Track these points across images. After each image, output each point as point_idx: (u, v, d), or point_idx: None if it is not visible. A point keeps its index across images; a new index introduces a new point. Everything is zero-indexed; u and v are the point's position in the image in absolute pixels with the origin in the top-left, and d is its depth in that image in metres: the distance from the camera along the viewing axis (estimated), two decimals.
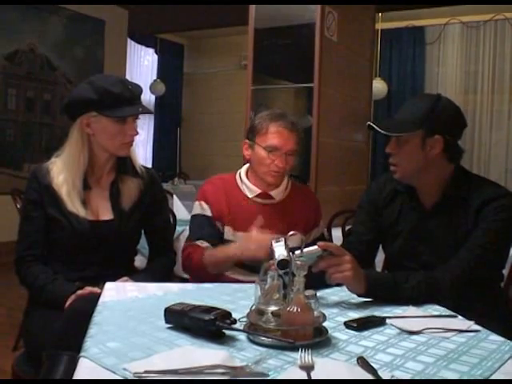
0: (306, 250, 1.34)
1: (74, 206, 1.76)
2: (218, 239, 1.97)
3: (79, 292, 1.63)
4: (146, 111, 1.80)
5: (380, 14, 6.16)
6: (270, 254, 1.35)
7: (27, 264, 1.76)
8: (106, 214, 1.83)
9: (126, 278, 1.74)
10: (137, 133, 1.81)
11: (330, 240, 2.58)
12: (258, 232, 1.76)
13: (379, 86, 6.33)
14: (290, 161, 1.95)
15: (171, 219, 2.80)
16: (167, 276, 1.95)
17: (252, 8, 3.75)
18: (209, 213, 1.99)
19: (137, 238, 1.94)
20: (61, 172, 1.79)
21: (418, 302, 1.47)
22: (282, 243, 1.35)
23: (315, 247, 1.40)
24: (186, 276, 2.49)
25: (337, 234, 2.74)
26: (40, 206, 1.78)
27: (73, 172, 1.78)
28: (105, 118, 1.74)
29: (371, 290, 1.47)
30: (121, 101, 1.73)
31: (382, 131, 1.65)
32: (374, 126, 1.67)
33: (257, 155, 1.96)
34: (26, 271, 1.76)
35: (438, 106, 1.67)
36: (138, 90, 1.79)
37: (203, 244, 1.94)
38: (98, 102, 1.72)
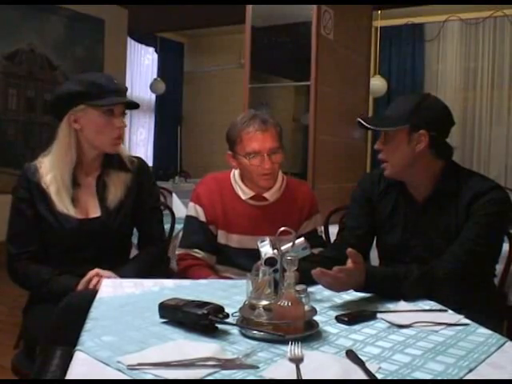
0: (291, 244, 1.38)
1: (63, 204, 1.74)
2: (213, 245, 2.01)
3: (80, 285, 1.66)
4: (132, 103, 1.80)
5: (379, 12, 6.18)
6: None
7: (24, 262, 1.75)
8: (94, 211, 1.81)
9: (109, 273, 1.71)
10: (125, 125, 1.80)
11: (326, 236, 2.59)
12: None
13: (379, 84, 6.34)
14: (275, 159, 1.94)
15: (168, 217, 2.82)
16: (155, 265, 1.91)
17: (249, 6, 3.76)
18: (202, 218, 2.01)
19: (128, 233, 1.92)
20: (49, 171, 1.76)
21: (414, 298, 1.49)
22: (267, 242, 1.38)
23: (300, 239, 1.43)
24: None
25: (334, 231, 2.75)
26: (31, 204, 1.76)
27: (62, 169, 1.76)
28: (92, 109, 1.72)
29: (369, 286, 1.50)
30: (107, 91, 1.72)
31: (370, 126, 1.71)
32: (361, 121, 1.71)
33: (241, 164, 1.96)
34: (25, 268, 1.74)
35: (424, 103, 1.72)
36: (123, 85, 1.81)
37: (199, 254, 1.99)
38: (85, 94, 1.71)
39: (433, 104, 1.74)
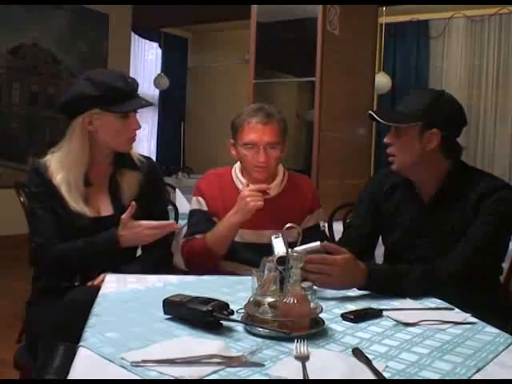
0: (306, 246, 1.36)
1: (75, 202, 1.73)
2: None
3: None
4: (149, 104, 1.81)
5: (384, 8, 6.15)
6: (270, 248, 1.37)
7: (54, 246, 1.71)
8: (107, 210, 1.81)
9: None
10: (140, 126, 1.80)
11: (330, 233, 2.58)
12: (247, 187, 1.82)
13: (383, 80, 6.32)
14: (272, 154, 1.93)
15: (172, 213, 2.80)
16: (159, 266, 1.88)
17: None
18: (205, 207, 2.02)
19: None
20: (59, 170, 1.74)
21: (417, 296, 1.48)
22: (281, 239, 1.36)
23: (316, 243, 1.41)
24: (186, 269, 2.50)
25: (338, 228, 2.74)
26: (46, 199, 1.75)
27: (74, 170, 1.74)
28: (109, 114, 1.71)
29: (370, 284, 1.48)
30: (123, 95, 1.72)
31: (382, 121, 1.68)
32: (373, 114, 1.69)
33: (239, 153, 1.97)
34: (58, 249, 1.70)
35: (439, 101, 1.69)
36: (135, 83, 1.80)
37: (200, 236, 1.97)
38: (101, 99, 1.69)
39: (448, 103, 1.71)
